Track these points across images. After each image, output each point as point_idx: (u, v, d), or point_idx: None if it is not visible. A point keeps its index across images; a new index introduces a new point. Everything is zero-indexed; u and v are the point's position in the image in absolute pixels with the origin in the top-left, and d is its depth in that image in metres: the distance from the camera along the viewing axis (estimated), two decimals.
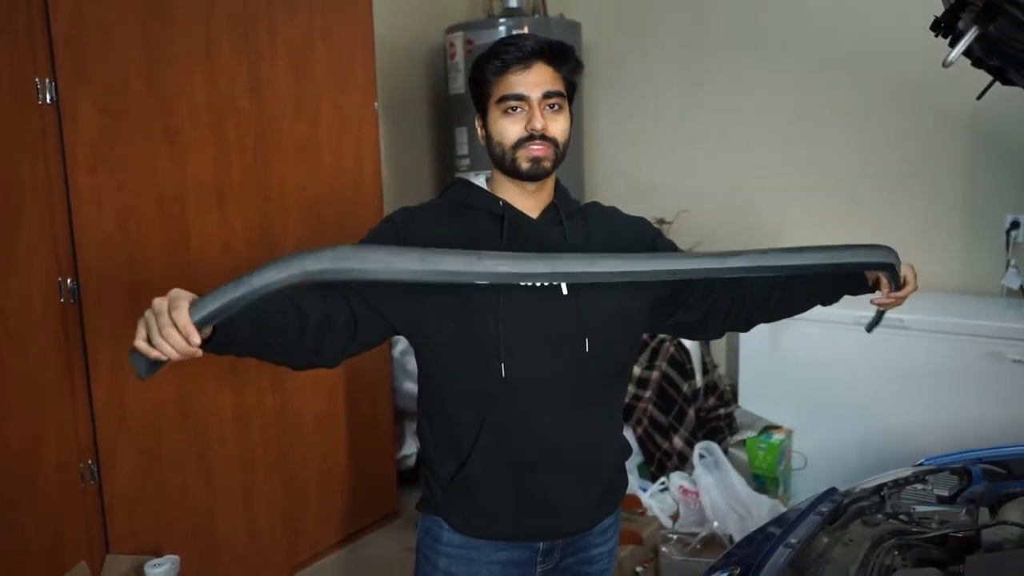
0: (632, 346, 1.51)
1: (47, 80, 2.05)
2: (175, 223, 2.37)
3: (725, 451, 3.07)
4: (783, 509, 2.77)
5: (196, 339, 1.04)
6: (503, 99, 1.35)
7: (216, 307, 1.04)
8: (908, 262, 1.58)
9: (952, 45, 1.23)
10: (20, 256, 2.04)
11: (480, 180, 1.48)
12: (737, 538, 2.69)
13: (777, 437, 3.07)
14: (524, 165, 1.36)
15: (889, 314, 3.01)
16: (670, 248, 1.55)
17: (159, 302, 1.07)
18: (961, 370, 2.76)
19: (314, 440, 2.86)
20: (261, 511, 2.68)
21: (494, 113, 1.37)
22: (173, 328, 1.04)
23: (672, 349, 3.24)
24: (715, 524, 2.77)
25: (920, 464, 1.70)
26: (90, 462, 2.20)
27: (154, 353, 1.06)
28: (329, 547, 2.96)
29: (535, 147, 1.35)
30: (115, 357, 2.23)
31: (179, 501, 2.43)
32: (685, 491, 2.98)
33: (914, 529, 1.47)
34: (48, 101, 2.06)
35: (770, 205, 3.57)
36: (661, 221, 3.69)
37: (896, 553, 1.39)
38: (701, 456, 3.01)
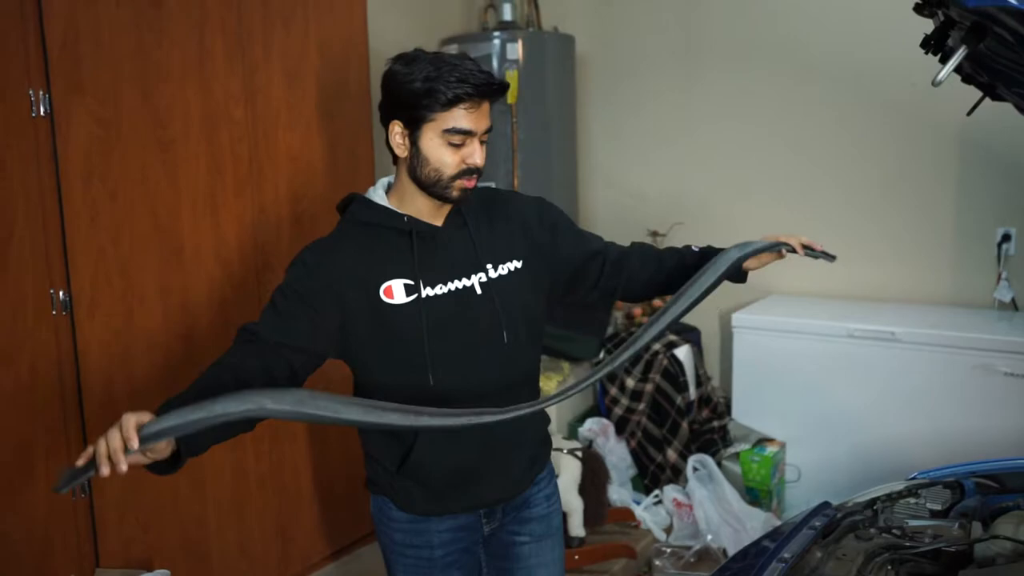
0: (540, 329, 1.61)
1: (40, 92, 2.05)
2: (168, 234, 2.36)
3: (719, 464, 3.07)
4: (777, 522, 2.78)
5: (134, 444, 1.10)
6: (450, 131, 1.38)
7: (172, 424, 1.11)
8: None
9: (942, 62, 1.24)
10: (12, 268, 2.03)
11: (378, 192, 1.51)
12: (731, 551, 2.69)
13: (771, 450, 3.07)
14: (455, 194, 1.44)
15: (881, 327, 3.04)
16: (570, 226, 1.64)
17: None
18: (953, 383, 2.77)
19: (307, 452, 2.84)
20: (253, 524, 2.66)
21: (432, 138, 1.40)
22: (117, 431, 1.11)
23: (665, 362, 3.24)
24: (709, 537, 2.77)
25: (913, 478, 1.70)
26: None
27: (84, 461, 1.14)
28: (321, 560, 2.94)
29: (468, 181, 1.43)
30: (107, 369, 2.22)
31: (170, 514, 2.41)
32: (679, 504, 2.97)
33: (907, 543, 1.47)
34: (42, 113, 2.05)
35: (764, 217, 3.58)
36: (655, 233, 3.70)
37: (889, 567, 1.39)
38: (695, 469, 3.01)
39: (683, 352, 3.28)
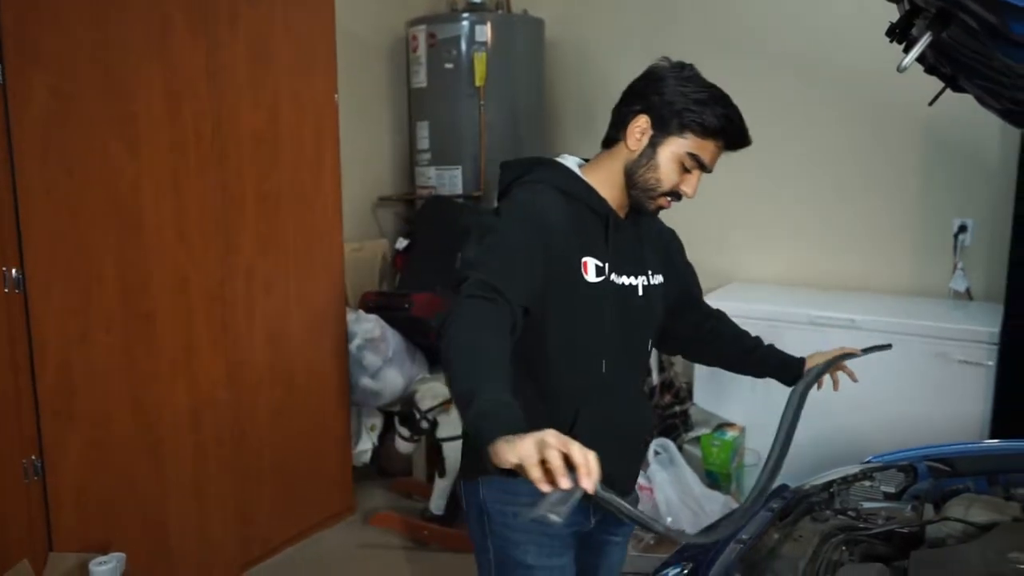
0: None
1: None
2: (128, 212, 2.31)
3: (680, 448, 3.10)
4: (735, 505, 2.81)
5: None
6: (693, 157, 1.40)
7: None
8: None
9: (907, 51, 1.26)
10: None
11: (574, 167, 1.49)
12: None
13: (731, 434, 3.11)
14: (652, 207, 1.46)
15: (841, 314, 3.10)
16: (684, 259, 1.71)
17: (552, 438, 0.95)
18: (909, 370, 2.82)
19: (269, 435, 2.82)
20: (213, 507, 2.63)
21: (673, 152, 1.40)
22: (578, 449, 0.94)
23: None
24: (669, 520, 2.80)
25: (868, 461, 1.74)
26: (34, 457, 2.14)
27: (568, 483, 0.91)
28: (282, 543, 2.92)
29: (669, 202, 1.45)
30: (63, 349, 2.17)
31: (128, 497, 2.37)
32: (640, 487, 3.00)
33: (861, 525, 1.50)
34: None
35: (727, 206, 3.61)
36: None
37: (843, 548, 1.42)
38: (656, 453, 3.04)
39: None
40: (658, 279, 1.54)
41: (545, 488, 0.90)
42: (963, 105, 1.82)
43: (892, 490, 1.65)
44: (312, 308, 2.95)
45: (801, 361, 1.76)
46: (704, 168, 1.42)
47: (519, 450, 0.93)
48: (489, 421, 0.99)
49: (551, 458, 0.91)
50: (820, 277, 3.45)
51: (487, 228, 1.33)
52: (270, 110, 2.74)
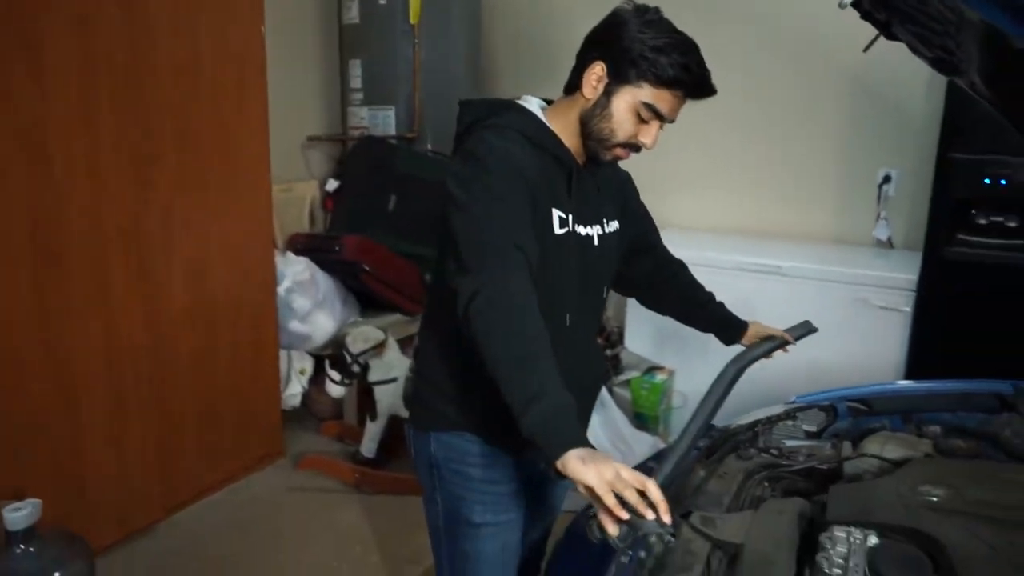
0: None
1: None
2: (33, 144, 2.18)
3: (610, 391, 3.15)
4: (663, 446, 2.88)
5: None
6: (648, 107, 1.33)
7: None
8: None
9: None
10: None
11: (539, 113, 1.42)
12: None
13: (660, 377, 3.16)
14: (608, 157, 1.40)
15: (768, 261, 3.16)
16: (639, 203, 1.65)
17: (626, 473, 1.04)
18: (832, 314, 2.88)
19: (192, 378, 2.74)
20: (132, 451, 2.56)
21: (628, 101, 1.34)
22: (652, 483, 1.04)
23: None
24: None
25: (791, 402, 1.78)
26: None
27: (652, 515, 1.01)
28: (208, 487, 2.87)
29: (626, 152, 1.40)
30: None
31: (42, 442, 2.29)
32: None
33: (783, 462, 1.55)
34: None
35: (660, 153, 3.61)
36: None
37: (766, 485, 1.46)
38: None
39: None
40: (614, 226, 1.51)
41: (623, 515, 1.00)
42: (892, 57, 1.83)
43: (813, 429, 1.70)
44: (238, 249, 2.86)
45: (744, 325, 1.74)
46: (663, 119, 1.37)
47: (596, 476, 1.01)
48: (559, 428, 1.07)
49: (629, 496, 1.00)
50: (749, 224, 3.51)
51: (473, 180, 1.27)
52: (191, 41, 2.60)
